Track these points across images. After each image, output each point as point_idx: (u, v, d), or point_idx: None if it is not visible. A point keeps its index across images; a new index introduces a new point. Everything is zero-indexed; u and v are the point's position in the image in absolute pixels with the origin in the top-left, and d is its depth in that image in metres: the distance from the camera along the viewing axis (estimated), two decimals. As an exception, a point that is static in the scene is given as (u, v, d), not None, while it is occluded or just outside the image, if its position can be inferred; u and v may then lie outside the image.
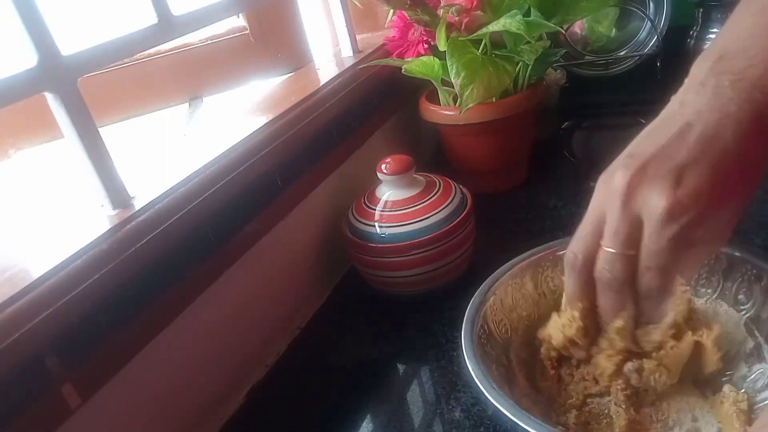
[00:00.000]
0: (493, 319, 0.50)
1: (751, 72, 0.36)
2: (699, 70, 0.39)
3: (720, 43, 0.39)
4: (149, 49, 0.59)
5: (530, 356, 0.50)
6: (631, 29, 1.08)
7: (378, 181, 0.68)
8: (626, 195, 0.37)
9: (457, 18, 0.72)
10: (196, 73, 0.76)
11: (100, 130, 0.48)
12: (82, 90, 0.46)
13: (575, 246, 0.41)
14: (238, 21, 0.78)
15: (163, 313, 0.51)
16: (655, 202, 0.36)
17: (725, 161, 0.36)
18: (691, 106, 0.38)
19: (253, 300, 0.63)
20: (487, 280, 0.52)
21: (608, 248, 0.39)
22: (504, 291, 0.52)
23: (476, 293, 0.51)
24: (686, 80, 0.40)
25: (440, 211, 0.64)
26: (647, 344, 0.42)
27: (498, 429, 0.48)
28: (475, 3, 0.72)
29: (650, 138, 0.39)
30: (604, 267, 0.40)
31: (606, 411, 0.45)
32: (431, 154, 0.93)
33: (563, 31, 0.77)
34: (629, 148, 0.40)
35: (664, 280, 0.38)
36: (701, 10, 1.03)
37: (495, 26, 0.68)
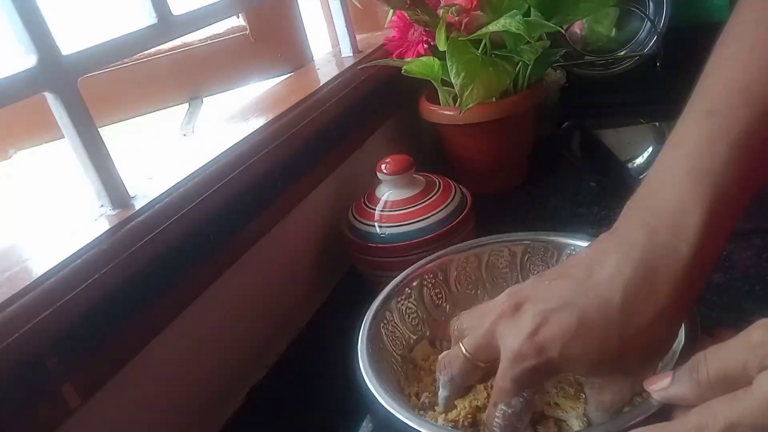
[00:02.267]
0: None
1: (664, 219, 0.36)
2: (628, 208, 0.39)
3: (644, 185, 0.39)
4: (149, 49, 0.59)
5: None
6: (631, 29, 1.07)
7: (378, 181, 0.68)
8: (493, 322, 0.39)
9: (457, 18, 0.72)
10: (196, 73, 0.76)
11: (100, 130, 0.48)
12: (82, 90, 0.46)
13: (459, 327, 0.44)
14: (238, 21, 0.78)
15: (163, 313, 0.51)
16: (508, 342, 0.38)
17: (600, 314, 0.36)
18: (606, 247, 0.38)
19: (253, 300, 0.63)
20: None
21: (463, 348, 0.41)
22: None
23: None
24: (621, 214, 0.39)
25: (440, 211, 0.64)
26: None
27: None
28: (475, 3, 0.72)
29: (555, 271, 0.40)
30: (452, 365, 0.42)
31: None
32: (431, 154, 0.93)
33: (563, 31, 0.77)
34: (541, 274, 0.42)
35: (509, 419, 0.39)
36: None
37: (495, 26, 0.68)
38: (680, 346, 0.40)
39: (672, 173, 0.37)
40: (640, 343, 0.36)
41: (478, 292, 0.56)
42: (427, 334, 0.55)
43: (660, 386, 0.35)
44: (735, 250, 0.62)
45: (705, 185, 0.35)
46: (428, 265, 0.55)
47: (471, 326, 0.42)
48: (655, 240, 0.36)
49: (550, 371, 0.38)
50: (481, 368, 0.42)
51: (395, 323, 0.53)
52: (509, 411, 0.39)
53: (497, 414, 0.40)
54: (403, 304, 0.54)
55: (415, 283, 0.55)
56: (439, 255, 0.56)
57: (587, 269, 0.38)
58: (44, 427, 0.41)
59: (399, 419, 0.40)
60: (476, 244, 0.56)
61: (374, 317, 0.50)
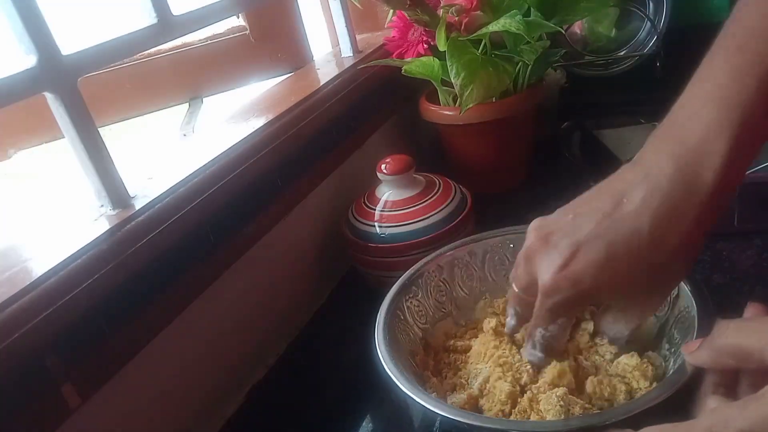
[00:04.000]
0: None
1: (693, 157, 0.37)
2: (653, 139, 0.39)
3: (671, 117, 0.39)
4: (149, 49, 0.58)
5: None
6: (631, 29, 1.07)
7: (378, 181, 0.68)
8: (527, 257, 0.42)
9: (457, 18, 0.72)
10: (196, 73, 0.76)
11: (100, 130, 0.48)
12: (82, 90, 0.46)
13: (513, 272, 0.46)
14: (238, 21, 0.78)
15: (163, 313, 0.51)
16: (541, 275, 0.40)
17: (629, 245, 0.37)
18: (632, 178, 0.39)
19: (253, 300, 0.63)
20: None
21: (514, 287, 0.44)
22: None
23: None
24: (644, 146, 0.40)
25: (440, 211, 0.64)
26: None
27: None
28: (474, 3, 0.72)
29: (578, 203, 0.41)
30: (512, 301, 0.46)
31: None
32: (431, 154, 0.93)
33: (563, 31, 0.77)
34: (564, 207, 0.42)
35: (547, 341, 0.43)
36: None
37: (495, 26, 0.68)
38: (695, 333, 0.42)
39: (699, 104, 0.37)
40: (664, 271, 0.38)
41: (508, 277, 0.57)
42: (453, 313, 0.56)
43: (690, 349, 0.37)
44: (735, 250, 0.62)
45: (732, 115, 0.35)
46: (461, 248, 0.57)
47: (515, 264, 0.44)
48: (681, 168, 0.36)
49: (583, 301, 0.40)
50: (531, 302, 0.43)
51: (419, 299, 0.55)
52: (547, 334, 0.43)
53: (537, 335, 0.43)
54: (431, 281, 0.56)
55: (445, 262, 0.57)
56: (474, 238, 0.58)
57: (613, 201, 0.38)
58: (44, 427, 0.41)
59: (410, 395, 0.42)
60: (512, 231, 0.57)
61: (399, 292, 0.53)
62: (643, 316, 0.43)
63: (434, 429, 0.50)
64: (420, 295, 0.55)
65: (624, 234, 0.37)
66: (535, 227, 0.42)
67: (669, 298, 0.47)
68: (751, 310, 0.37)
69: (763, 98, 0.36)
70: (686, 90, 0.40)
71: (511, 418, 0.43)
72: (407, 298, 0.54)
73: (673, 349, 0.46)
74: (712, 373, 0.37)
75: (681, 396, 0.37)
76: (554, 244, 0.40)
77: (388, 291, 0.53)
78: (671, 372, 0.41)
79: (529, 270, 0.42)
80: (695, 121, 0.37)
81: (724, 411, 0.32)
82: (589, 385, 0.44)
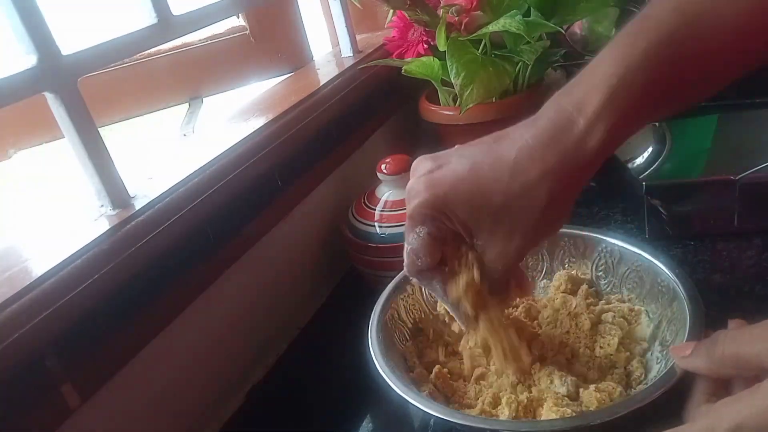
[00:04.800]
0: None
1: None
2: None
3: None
4: (149, 49, 0.59)
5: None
6: (631, 29, 1.07)
7: (378, 181, 0.68)
8: (412, 167, 0.43)
9: (456, 18, 0.72)
10: (196, 73, 0.76)
11: (100, 130, 0.48)
12: (82, 90, 0.46)
13: None
14: (238, 21, 0.78)
15: (163, 313, 0.51)
16: (409, 181, 0.42)
17: (492, 167, 0.39)
18: (521, 124, 0.41)
19: (253, 300, 0.63)
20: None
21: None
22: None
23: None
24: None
25: (440, 211, 0.64)
26: None
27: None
28: (474, 3, 0.72)
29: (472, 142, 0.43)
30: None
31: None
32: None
33: (563, 31, 0.76)
34: None
35: (410, 257, 0.44)
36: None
37: (495, 26, 0.68)
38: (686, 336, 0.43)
39: (594, 63, 0.40)
40: (522, 203, 0.39)
41: None
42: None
43: (682, 354, 0.38)
44: (735, 250, 0.62)
45: (614, 72, 0.38)
46: None
47: None
48: (559, 113, 0.39)
49: (438, 208, 0.41)
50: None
51: (414, 298, 0.55)
52: (409, 247, 0.44)
53: (405, 252, 0.45)
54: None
55: None
56: None
57: (497, 138, 0.41)
58: (44, 427, 0.41)
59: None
60: None
61: (393, 291, 0.54)
62: (503, 257, 0.42)
63: (431, 426, 0.50)
64: (415, 294, 0.55)
65: (491, 157, 0.40)
66: (430, 157, 0.43)
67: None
68: (732, 326, 0.38)
69: (649, 63, 0.38)
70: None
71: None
72: (403, 296, 0.54)
73: (664, 351, 0.46)
74: (704, 381, 0.37)
75: (669, 400, 0.38)
76: (434, 157, 0.42)
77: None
78: (662, 374, 0.41)
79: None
80: (587, 77, 0.39)
81: (718, 408, 0.32)
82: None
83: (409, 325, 0.54)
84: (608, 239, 0.55)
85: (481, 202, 0.40)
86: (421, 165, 0.42)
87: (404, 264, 0.45)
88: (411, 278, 0.47)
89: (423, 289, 0.55)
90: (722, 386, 0.36)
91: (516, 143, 0.39)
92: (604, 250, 0.55)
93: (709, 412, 0.33)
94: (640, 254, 0.52)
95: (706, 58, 0.39)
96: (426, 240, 0.43)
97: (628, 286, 0.54)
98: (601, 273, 0.56)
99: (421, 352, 0.53)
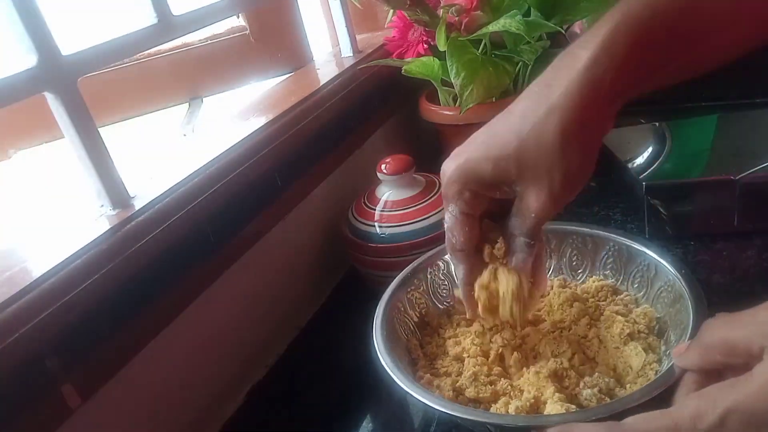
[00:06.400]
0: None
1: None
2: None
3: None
4: (149, 49, 0.59)
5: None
6: (631, 29, 1.07)
7: (378, 181, 0.68)
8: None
9: (457, 18, 0.72)
10: (196, 73, 0.76)
11: (100, 130, 0.48)
12: (82, 90, 0.46)
13: None
14: (238, 21, 0.78)
15: (163, 313, 0.51)
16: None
17: (504, 124, 0.42)
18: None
19: (253, 300, 0.63)
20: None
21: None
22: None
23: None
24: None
25: (440, 211, 0.64)
26: None
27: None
28: (474, 3, 0.72)
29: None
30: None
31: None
32: (431, 154, 0.93)
33: (563, 31, 0.76)
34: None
35: (447, 237, 0.47)
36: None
37: (495, 26, 0.68)
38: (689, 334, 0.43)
39: (589, 32, 0.42)
40: (537, 144, 0.40)
41: None
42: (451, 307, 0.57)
43: (679, 352, 0.38)
44: (735, 250, 0.62)
45: (618, 10, 0.40)
46: None
47: None
48: (563, 56, 0.41)
49: (464, 177, 0.43)
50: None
51: (420, 292, 0.56)
52: (446, 226, 0.46)
53: (445, 230, 0.47)
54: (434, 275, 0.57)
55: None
56: None
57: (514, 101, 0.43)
58: (44, 427, 0.41)
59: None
60: None
61: (399, 286, 0.54)
62: (537, 204, 0.42)
63: (433, 425, 0.50)
64: (422, 288, 0.55)
65: (502, 115, 0.43)
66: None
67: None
68: (675, 352, 0.39)
69: (649, 13, 0.39)
70: None
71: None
72: (408, 290, 0.54)
73: (668, 352, 0.46)
74: (693, 373, 0.37)
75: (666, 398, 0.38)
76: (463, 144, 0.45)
77: (388, 291, 0.53)
78: (660, 374, 0.41)
79: None
80: (581, 44, 0.41)
81: (711, 392, 0.32)
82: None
83: (415, 319, 0.54)
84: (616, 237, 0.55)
85: (497, 153, 0.41)
86: (453, 152, 0.45)
87: (447, 244, 0.48)
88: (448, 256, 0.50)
89: (429, 284, 0.56)
90: (714, 377, 0.35)
91: (520, 101, 0.42)
92: (612, 249, 0.55)
93: (701, 396, 0.32)
94: (646, 253, 0.52)
95: (707, 19, 0.41)
96: (459, 218, 0.45)
97: (635, 285, 0.54)
98: (608, 272, 0.56)
99: (425, 344, 0.53)
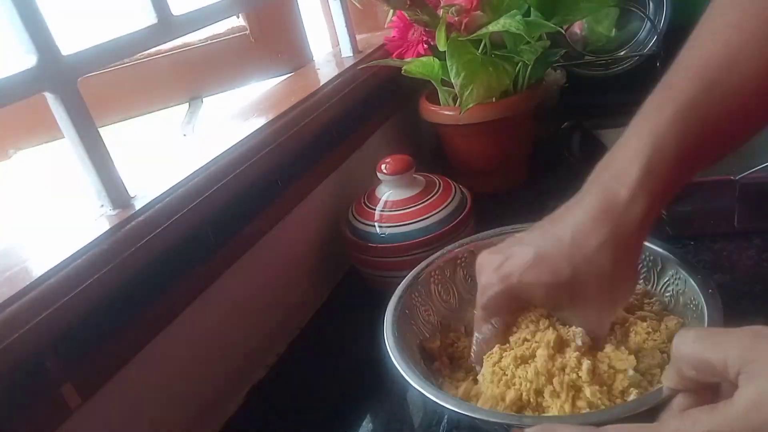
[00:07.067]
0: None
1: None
2: (595, 169, 0.44)
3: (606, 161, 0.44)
4: (149, 49, 0.59)
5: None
6: (631, 29, 1.07)
7: (378, 181, 0.68)
8: (478, 272, 0.46)
9: (456, 18, 0.72)
10: (196, 73, 0.75)
11: (100, 130, 0.48)
12: (82, 90, 0.46)
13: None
14: (238, 21, 0.78)
15: (163, 313, 0.51)
16: (480, 277, 0.46)
17: (553, 248, 0.42)
18: (570, 204, 0.44)
19: (253, 300, 0.63)
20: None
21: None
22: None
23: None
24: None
25: (440, 211, 0.65)
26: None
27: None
28: (475, 3, 0.72)
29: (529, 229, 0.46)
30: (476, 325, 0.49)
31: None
32: (431, 154, 0.93)
33: (563, 31, 0.76)
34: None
35: (480, 346, 0.47)
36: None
37: (495, 26, 0.68)
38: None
39: (629, 134, 0.42)
40: (588, 271, 0.41)
41: None
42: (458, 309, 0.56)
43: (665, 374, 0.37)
44: (735, 250, 0.62)
45: (647, 140, 0.40)
46: (462, 248, 0.57)
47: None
48: (603, 188, 0.42)
49: (513, 297, 0.44)
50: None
51: (425, 297, 0.55)
52: (480, 337, 0.46)
53: (474, 342, 0.47)
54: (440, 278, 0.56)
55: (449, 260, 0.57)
56: (473, 238, 0.58)
57: (551, 221, 0.44)
58: (44, 427, 0.41)
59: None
60: (512, 231, 0.57)
61: (407, 288, 0.53)
62: (589, 327, 0.44)
63: (442, 423, 0.50)
64: (425, 293, 0.55)
65: (550, 240, 0.43)
66: (493, 250, 0.47)
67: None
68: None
69: (678, 128, 0.40)
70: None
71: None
72: (415, 295, 0.54)
73: None
74: (682, 397, 0.35)
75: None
76: (496, 251, 0.46)
77: (387, 291, 0.53)
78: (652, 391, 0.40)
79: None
80: (622, 150, 0.42)
81: (693, 414, 0.32)
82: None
83: (423, 319, 0.54)
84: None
85: (551, 280, 0.42)
86: (489, 260, 0.45)
87: (472, 352, 0.48)
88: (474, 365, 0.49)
89: (436, 288, 0.56)
90: (703, 400, 0.34)
91: (569, 224, 0.42)
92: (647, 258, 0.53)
93: (683, 417, 0.32)
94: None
95: (728, 119, 0.41)
96: (501, 330, 0.46)
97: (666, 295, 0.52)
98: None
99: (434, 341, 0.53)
